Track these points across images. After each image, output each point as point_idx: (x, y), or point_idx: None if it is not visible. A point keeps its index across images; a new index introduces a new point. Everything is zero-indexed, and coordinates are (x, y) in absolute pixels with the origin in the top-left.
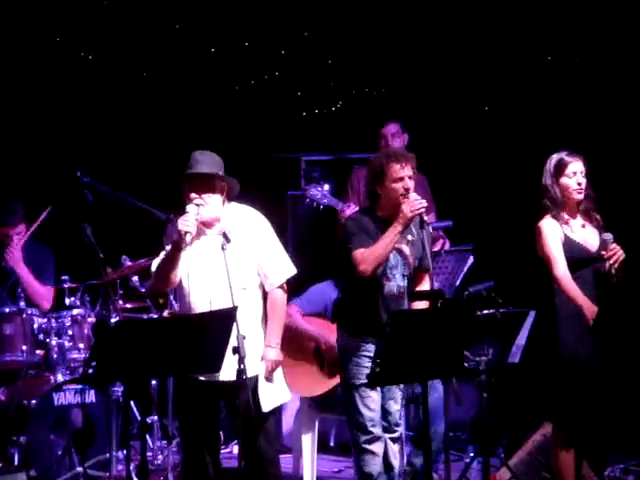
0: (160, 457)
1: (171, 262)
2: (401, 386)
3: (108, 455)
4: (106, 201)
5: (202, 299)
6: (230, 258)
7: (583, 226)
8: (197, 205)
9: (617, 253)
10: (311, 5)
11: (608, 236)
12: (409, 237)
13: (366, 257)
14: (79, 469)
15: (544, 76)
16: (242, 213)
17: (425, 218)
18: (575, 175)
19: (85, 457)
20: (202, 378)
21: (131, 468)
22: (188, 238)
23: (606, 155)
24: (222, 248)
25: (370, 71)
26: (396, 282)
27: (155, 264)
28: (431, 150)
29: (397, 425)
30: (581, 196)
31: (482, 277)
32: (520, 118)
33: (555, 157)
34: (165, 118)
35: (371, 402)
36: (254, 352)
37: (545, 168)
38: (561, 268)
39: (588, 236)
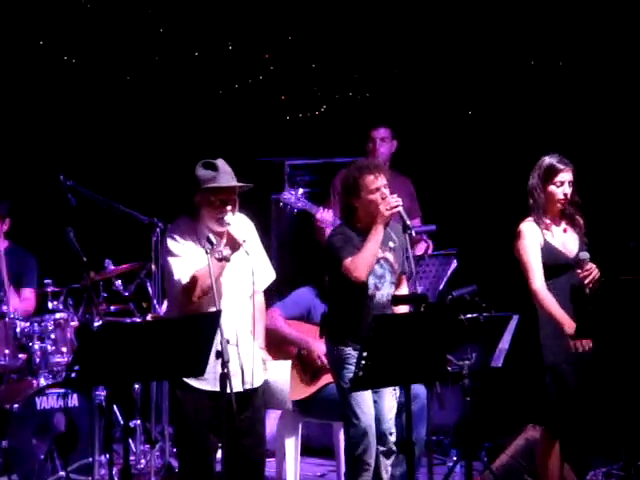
0: (143, 461)
1: (219, 272)
2: (396, 395)
3: (91, 459)
4: (89, 205)
5: (224, 309)
6: (240, 266)
7: (565, 231)
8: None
9: (592, 273)
10: (295, 9)
11: (584, 255)
12: (390, 244)
13: (357, 264)
14: (62, 473)
15: (528, 80)
16: (238, 219)
17: (408, 222)
18: (562, 185)
19: (68, 461)
20: (209, 388)
21: (114, 472)
22: (245, 246)
23: (590, 159)
24: (206, 252)
25: (354, 75)
26: (385, 290)
27: (185, 275)
28: (415, 154)
29: (391, 434)
30: (565, 206)
31: (465, 281)
32: (504, 122)
33: (547, 161)
34: (148, 122)
35: (368, 408)
36: (258, 357)
37: (534, 170)
38: (538, 281)
39: (568, 242)
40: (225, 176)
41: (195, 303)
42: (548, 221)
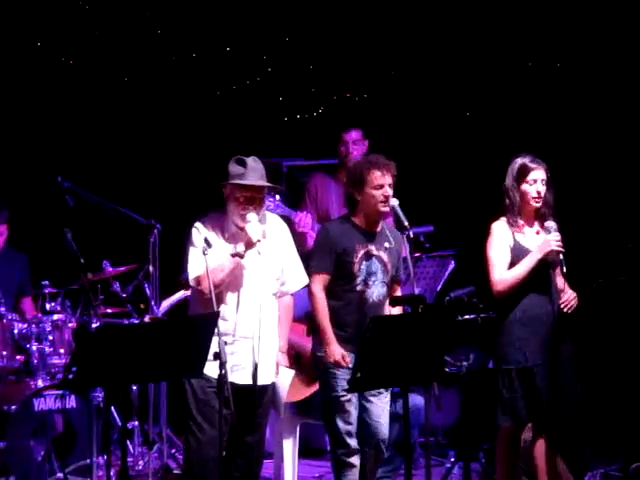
0: (141, 463)
1: (233, 267)
2: (387, 399)
3: (89, 461)
4: (87, 206)
5: (243, 304)
6: (265, 264)
7: (537, 233)
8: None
9: (559, 241)
10: (292, 10)
11: (550, 224)
12: (386, 245)
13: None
14: (59, 475)
15: (525, 82)
16: (269, 219)
17: (405, 223)
18: (535, 183)
19: (65, 463)
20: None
21: (112, 474)
22: (258, 246)
23: (589, 160)
24: (203, 253)
25: (351, 76)
26: (376, 289)
27: (199, 267)
28: (413, 155)
29: (384, 442)
30: (538, 204)
31: (463, 282)
32: (502, 123)
33: (519, 161)
34: (146, 123)
35: (348, 416)
36: (273, 357)
37: (508, 170)
38: (497, 273)
39: (540, 243)
40: (252, 174)
41: (210, 295)
42: (521, 222)
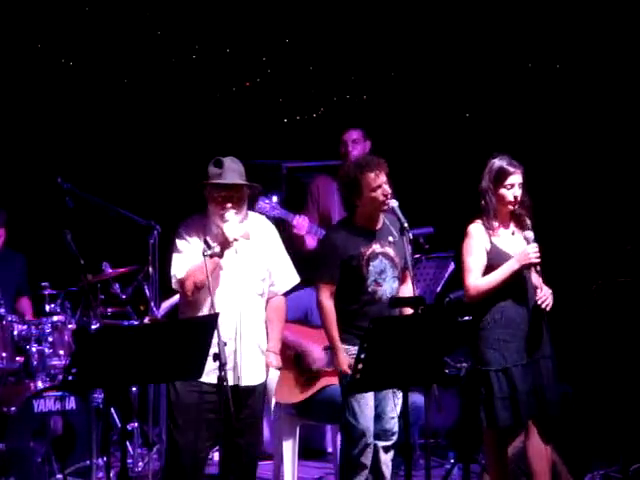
0: (140, 464)
1: (212, 268)
2: (397, 394)
3: (88, 462)
4: (87, 207)
5: (224, 305)
6: (248, 264)
7: (513, 234)
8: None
9: (537, 255)
10: (292, 12)
11: (529, 234)
12: (390, 239)
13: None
14: (59, 476)
15: (525, 83)
16: (254, 220)
17: (405, 224)
18: (512, 187)
19: (65, 464)
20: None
21: (111, 475)
22: (235, 245)
23: (589, 161)
24: (203, 254)
25: (351, 78)
26: (388, 285)
27: (180, 269)
28: (413, 156)
29: (393, 434)
30: (515, 207)
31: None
32: (501, 125)
33: (497, 164)
34: (146, 125)
35: (369, 410)
36: (259, 357)
37: (485, 172)
38: (472, 278)
39: (517, 244)
40: (230, 174)
41: (193, 297)
42: (497, 224)
